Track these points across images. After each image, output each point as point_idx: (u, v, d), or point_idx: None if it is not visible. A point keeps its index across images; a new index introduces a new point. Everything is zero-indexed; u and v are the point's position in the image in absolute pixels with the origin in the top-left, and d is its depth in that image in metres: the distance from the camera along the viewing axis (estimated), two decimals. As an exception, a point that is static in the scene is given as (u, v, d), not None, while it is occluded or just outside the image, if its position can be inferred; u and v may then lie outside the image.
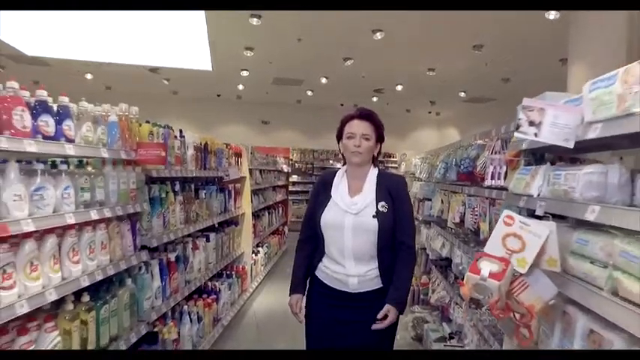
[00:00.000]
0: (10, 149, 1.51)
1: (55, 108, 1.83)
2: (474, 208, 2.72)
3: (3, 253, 1.52)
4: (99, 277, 2.10)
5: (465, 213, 2.88)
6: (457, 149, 3.30)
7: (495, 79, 9.03)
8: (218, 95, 12.06)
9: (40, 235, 1.73)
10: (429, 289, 4.00)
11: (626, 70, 1.10)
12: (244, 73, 9.21)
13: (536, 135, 1.33)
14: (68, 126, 1.87)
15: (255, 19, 5.92)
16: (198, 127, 11.20)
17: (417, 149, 10.24)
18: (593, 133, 1.24)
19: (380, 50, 7.36)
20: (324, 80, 9.60)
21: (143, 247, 2.63)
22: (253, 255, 5.67)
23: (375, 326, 1.89)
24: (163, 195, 2.92)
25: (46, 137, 1.71)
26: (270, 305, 5.17)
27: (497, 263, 1.38)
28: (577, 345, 1.30)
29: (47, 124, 1.73)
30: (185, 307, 3.30)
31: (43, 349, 1.75)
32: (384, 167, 13.95)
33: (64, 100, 1.88)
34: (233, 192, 4.76)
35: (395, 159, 12.98)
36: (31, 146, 1.60)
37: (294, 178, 12.75)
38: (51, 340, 1.79)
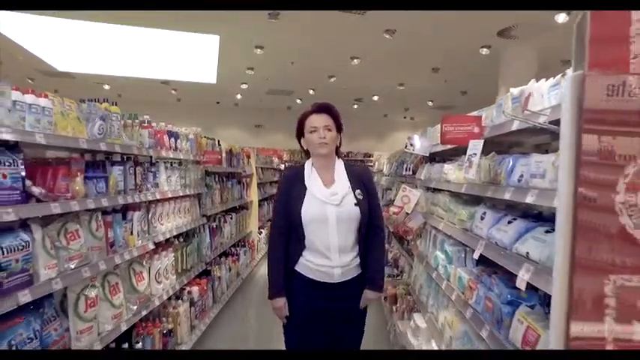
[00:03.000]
0: (164, 156, 3.09)
1: (173, 132, 3.40)
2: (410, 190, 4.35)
3: (160, 207, 3.09)
4: (188, 228, 3.68)
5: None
6: (403, 153, 4.94)
7: (455, 92, 10.81)
8: (217, 102, 13.59)
9: (168, 200, 3.31)
10: (388, 251, 5.65)
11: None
12: (243, 86, 10.78)
13: (413, 149, 2.96)
14: (179, 142, 3.44)
15: (258, 50, 7.50)
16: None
17: (394, 150, 11.83)
18: (434, 150, 2.88)
19: (357, 72, 9.04)
20: (311, 92, 11.23)
21: (202, 216, 4.20)
22: (258, 234, 7.25)
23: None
24: (211, 183, 4.49)
25: (174, 150, 3.29)
26: (272, 271, 6.75)
27: (398, 208, 3.02)
28: (431, 245, 2.94)
29: (174, 142, 3.30)
30: (221, 259, 4.88)
31: (164, 265, 3.31)
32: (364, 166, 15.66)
33: (177, 128, 3.46)
34: (245, 184, 6.34)
35: (373, 158, 14.60)
36: (170, 155, 3.18)
37: (285, 175, 14.26)
38: (170, 258, 3.36)
